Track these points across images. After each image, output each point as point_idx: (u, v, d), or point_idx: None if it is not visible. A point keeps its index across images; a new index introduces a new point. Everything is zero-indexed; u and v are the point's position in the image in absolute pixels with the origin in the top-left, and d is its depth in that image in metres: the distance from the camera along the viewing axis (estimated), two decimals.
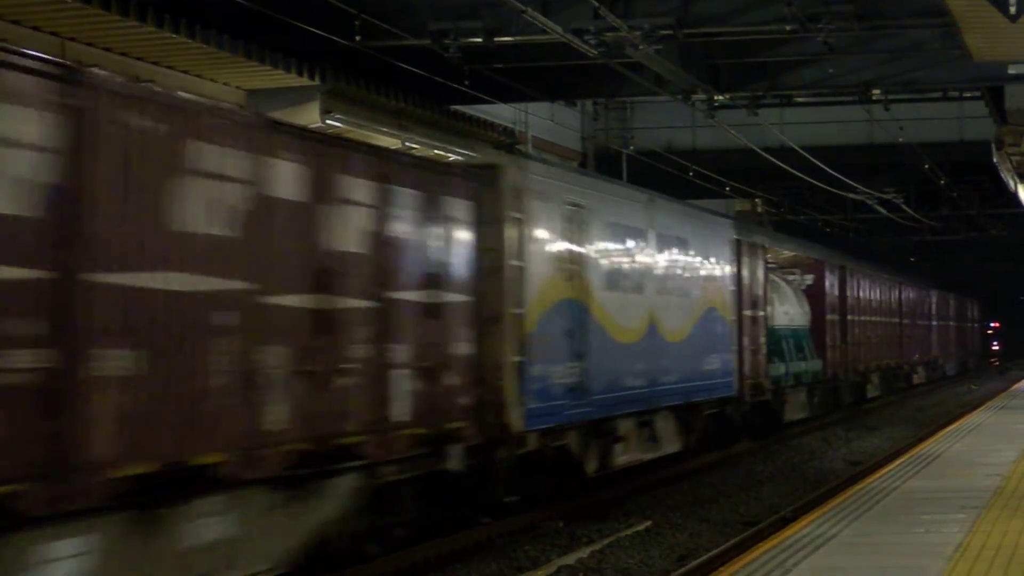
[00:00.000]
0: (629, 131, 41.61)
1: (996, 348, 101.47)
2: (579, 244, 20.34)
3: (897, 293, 55.48)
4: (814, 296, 39.44)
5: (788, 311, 35.68)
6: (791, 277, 38.35)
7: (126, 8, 16.95)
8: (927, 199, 50.82)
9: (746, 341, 29.77)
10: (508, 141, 25.54)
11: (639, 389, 22.50)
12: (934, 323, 66.57)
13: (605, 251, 21.43)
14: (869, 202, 46.87)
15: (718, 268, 27.30)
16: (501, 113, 30.37)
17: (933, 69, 25.74)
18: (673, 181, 39.48)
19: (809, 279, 39.83)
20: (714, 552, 16.85)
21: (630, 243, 22.56)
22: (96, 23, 16.89)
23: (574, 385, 19.90)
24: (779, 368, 33.74)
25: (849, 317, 43.76)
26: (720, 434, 29.06)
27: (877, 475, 19.70)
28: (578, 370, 20.01)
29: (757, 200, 50.38)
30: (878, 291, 50.45)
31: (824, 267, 40.76)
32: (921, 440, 27.80)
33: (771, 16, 20.88)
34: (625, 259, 22.35)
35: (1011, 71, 23.79)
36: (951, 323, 73.82)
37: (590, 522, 19.84)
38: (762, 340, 31.29)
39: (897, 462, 21.64)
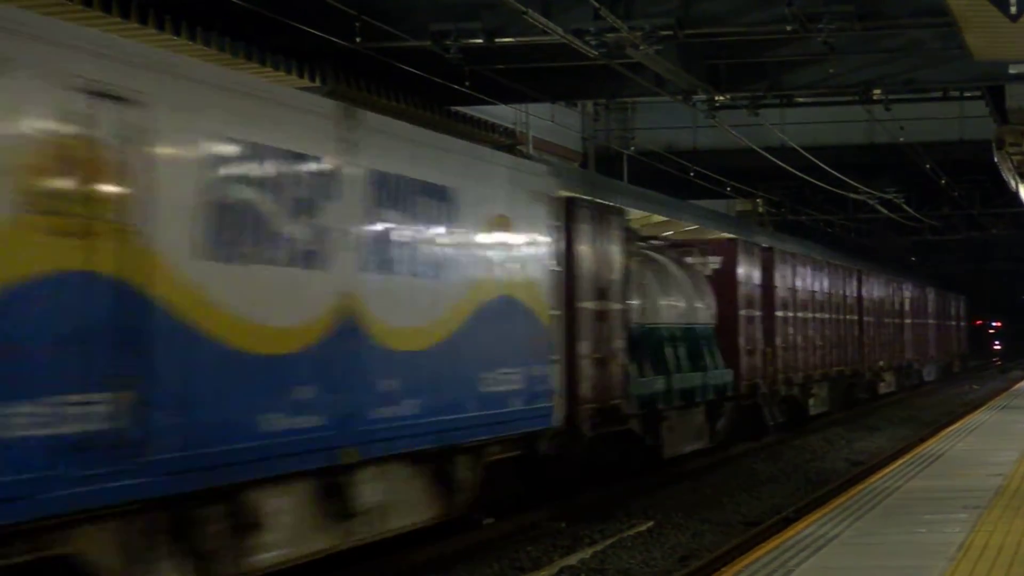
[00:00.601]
0: (630, 132, 41.68)
1: (998, 348, 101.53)
2: (116, 170, 10.86)
3: (855, 285, 45.43)
4: (723, 285, 29.58)
5: (677, 304, 26.04)
6: (690, 260, 28.95)
7: (127, 11, 16.98)
8: (928, 199, 50.87)
9: (584, 346, 20.32)
10: (508, 142, 25.53)
11: (308, 432, 13.07)
12: (908, 321, 56.58)
13: (205, 187, 11.87)
14: (870, 202, 46.93)
15: (522, 237, 18.03)
16: (502, 114, 30.42)
17: (934, 69, 25.76)
18: (674, 181, 39.57)
19: (716, 262, 29.76)
20: (716, 553, 16.86)
21: (287, 181, 13.03)
22: (97, 26, 16.89)
23: (97, 436, 10.51)
24: (655, 383, 24.07)
25: (779, 313, 33.85)
26: (536, 485, 20.13)
27: (879, 475, 19.69)
28: (112, 408, 10.67)
29: (758, 200, 50.47)
30: (826, 281, 40.27)
31: (737, 247, 30.48)
32: (923, 440, 27.79)
33: (771, 16, 20.90)
34: (270, 207, 12.78)
35: (1012, 71, 23.78)
36: (930, 321, 64.05)
37: (592, 522, 19.83)
38: (618, 344, 21.71)
39: (899, 462, 21.64)
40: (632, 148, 39.63)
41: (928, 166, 40.79)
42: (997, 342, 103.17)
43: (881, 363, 49.70)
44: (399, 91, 23.09)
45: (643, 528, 19.65)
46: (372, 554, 15.70)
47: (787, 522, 17.87)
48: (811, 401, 37.65)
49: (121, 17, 16.83)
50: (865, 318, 46.43)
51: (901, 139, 37.18)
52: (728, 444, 29.37)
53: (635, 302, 23.48)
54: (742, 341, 30.05)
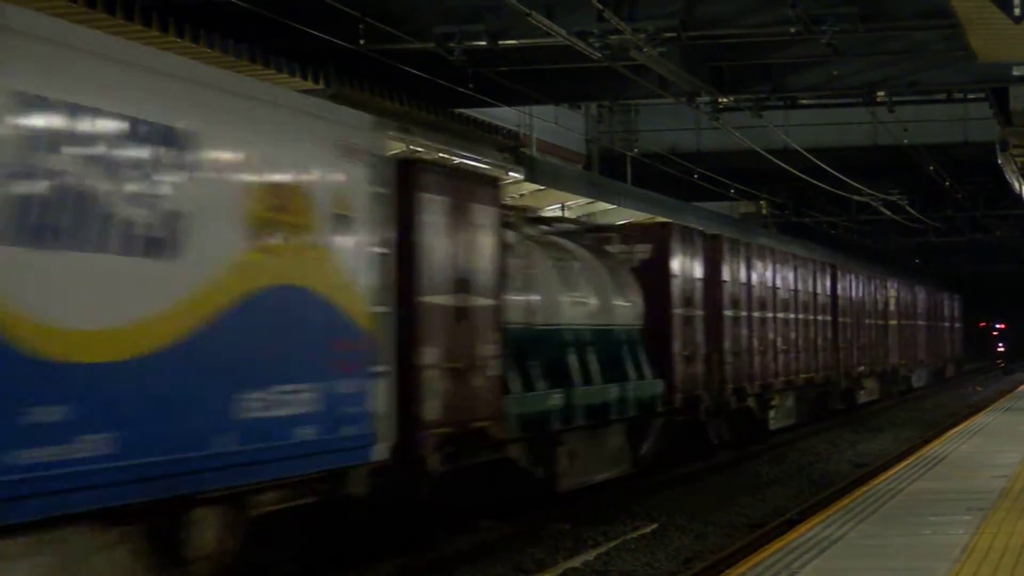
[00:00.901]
0: (633, 134, 41.71)
1: (1001, 350, 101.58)
2: None
3: (829, 281, 40.26)
4: (653, 279, 24.78)
5: (585, 301, 21.51)
6: (611, 248, 24.70)
7: (130, 12, 16.99)
8: (931, 201, 50.88)
9: (431, 354, 15.79)
10: (512, 144, 25.53)
11: None
12: (893, 322, 51.55)
13: None
14: (873, 204, 46.94)
15: (321, 207, 13.27)
16: (505, 116, 30.44)
17: (937, 70, 25.81)
18: (678, 183, 39.60)
19: (644, 252, 25.13)
20: (720, 555, 16.84)
21: None
22: (100, 27, 16.90)
23: None
24: (549, 398, 19.62)
25: (728, 312, 29.00)
26: (353, 539, 15.31)
27: (883, 477, 19.68)
28: None
29: (762, 202, 50.48)
30: (791, 276, 35.20)
31: (671, 234, 25.67)
32: (927, 442, 27.77)
33: (775, 18, 20.91)
34: None
35: (1015, 72, 23.82)
36: (920, 322, 58.57)
37: (596, 524, 19.80)
38: (488, 351, 17.24)
39: (903, 464, 21.63)
40: (636, 150, 39.65)
41: (932, 168, 40.80)
42: (1001, 344, 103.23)
43: (861, 369, 44.52)
44: (402, 93, 23.11)
45: (647, 530, 19.63)
46: (372, 555, 15.70)
47: (791, 524, 17.84)
48: (772, 414, 32.86)
49: (125, 19, 16.84)
50: (841, 319, 41.51)
51: (905, 141, 37.19)
52: (660, 468, 24.94)
53: (520, 297, 19.16)
54: (677, 346, 25.46)
